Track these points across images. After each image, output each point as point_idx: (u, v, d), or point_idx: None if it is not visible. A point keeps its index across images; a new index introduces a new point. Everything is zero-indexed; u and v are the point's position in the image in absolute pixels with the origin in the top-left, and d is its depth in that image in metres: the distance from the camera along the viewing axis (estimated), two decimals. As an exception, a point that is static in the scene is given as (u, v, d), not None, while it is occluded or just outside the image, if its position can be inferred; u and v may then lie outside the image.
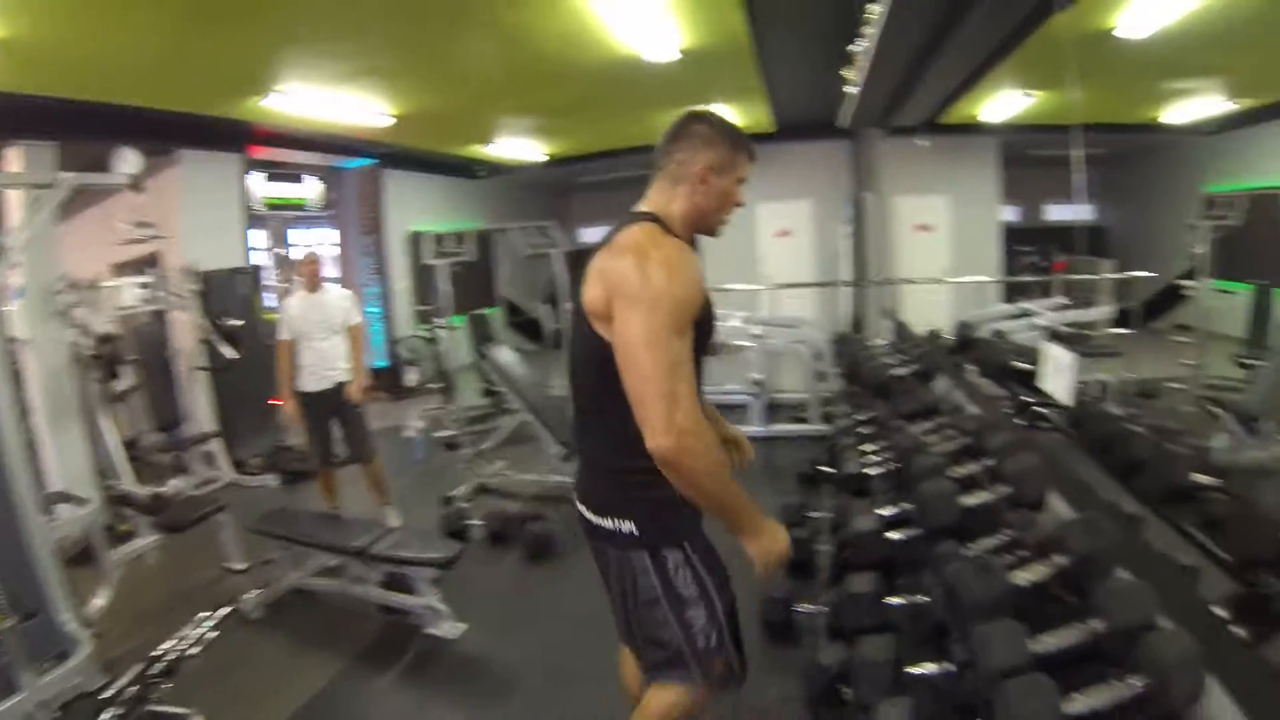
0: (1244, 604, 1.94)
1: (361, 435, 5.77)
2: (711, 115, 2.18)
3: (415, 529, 4.44)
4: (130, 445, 7.18)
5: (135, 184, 4.91)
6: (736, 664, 2.28)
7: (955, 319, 7.57)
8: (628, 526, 2.11)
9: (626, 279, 1.91)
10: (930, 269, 9.45)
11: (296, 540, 4.64)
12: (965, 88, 6.85)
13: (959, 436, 2.99)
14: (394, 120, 8.12)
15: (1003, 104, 8.90)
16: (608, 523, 2.14)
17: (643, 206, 2.17)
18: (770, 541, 2.10)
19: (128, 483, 6.18)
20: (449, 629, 4.21)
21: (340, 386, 5.54)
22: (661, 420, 1.82)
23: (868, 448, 3.71)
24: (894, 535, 2.63)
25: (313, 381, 5.50)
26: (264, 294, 15.04)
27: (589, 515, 2.22)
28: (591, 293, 2.01)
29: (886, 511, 2.79)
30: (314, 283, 5.59)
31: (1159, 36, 5.88)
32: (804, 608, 3.52)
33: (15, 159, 6.26)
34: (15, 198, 5.77)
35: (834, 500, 4.25)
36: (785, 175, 12.02)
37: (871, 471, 3.47)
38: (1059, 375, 2.74)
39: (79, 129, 6.41)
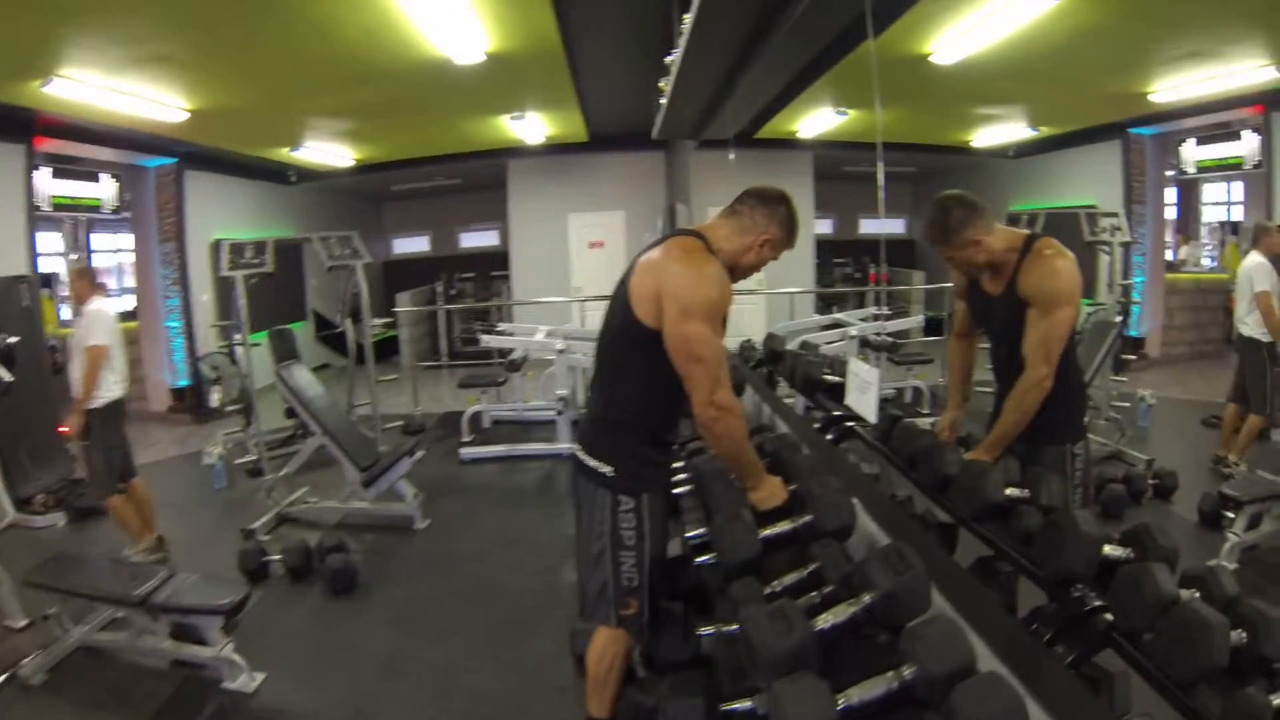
0: (1059, 620, 1.89)
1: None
2: (792, 206, 2.61)
3: (198, 574, 4.01)
4: None
5: None
6: (645, 615, 2.58)
7: (769, 326, 7.65)
8: (606, 468, 2.53)
9: (680, 283, 2.36)
10: (745, 281, 9.55)
11: (73, 592, 4.12)
12: (779, 104, 6.90)
13: (763, 457, 2.90)
14: (189, 115, 7.65)
15: (818, 120, 9.08)
16: (592, 461, 2.56)
17: (695, 227, 2.61)
18: (767, 493, 2.52)
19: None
20: (245, 681, 3.84)
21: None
22: (707, 395, 2.36)
23: (676, 465, 3.62)
24: (702, 559, 2.55)
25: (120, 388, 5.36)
26: (58, 305, 14.10)
27: (580, 454, 2.63)
28: (643, 282, 2.43)
29: (693, 533, 2.71)
30: (79, 296, 5.27)
31: (968, 64, 6.11)
32: None
33: None
34: None
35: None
36: (599, 186, 12.07)
37: (678, 491, 3.37)
38: (864, 392, 2.68)
39: None
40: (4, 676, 4.01)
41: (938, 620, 1.62)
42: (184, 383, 10.38)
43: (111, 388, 5.27)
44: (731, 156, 6.50)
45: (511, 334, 8.31)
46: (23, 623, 4.56)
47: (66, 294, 14.40)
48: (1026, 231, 2.82)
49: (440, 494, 6.39)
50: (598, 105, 8.88)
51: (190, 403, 10.29)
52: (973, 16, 5.31)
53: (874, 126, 8.81)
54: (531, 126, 10.07)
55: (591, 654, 2.71)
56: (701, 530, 2.74)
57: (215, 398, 9.27)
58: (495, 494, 6.74)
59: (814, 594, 1.94)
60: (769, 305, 9.50)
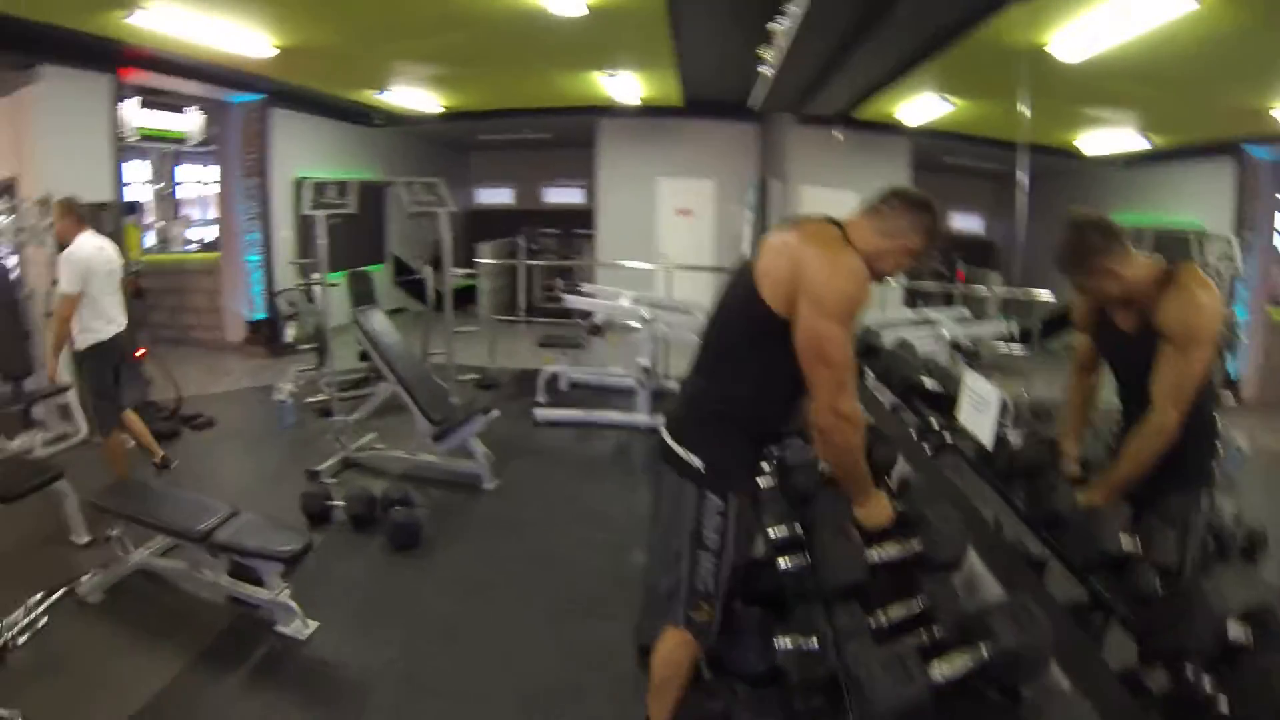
0: (1178, 704, 1.71)
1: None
2: (937, 214, 2.44)
3: (263, 515, 3.98)
4: None
5: None
6: (718, 621, 2.45)
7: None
8: (698, 462, 2.38)
9: (819, 273, 2.20)
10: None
11: (137, 519, 4.12)
12: (886, 83, 6.67)
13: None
14: (277, 52, 7.62)
15: (920, 106, 8.76)
16: (682, 451, 2.41)
17: (838, 219, 2.43)
18: (875, 511, 2.36)
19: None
20: (298, 627, 3.81)
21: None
22: (831, 401, 2.22)
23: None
24: (786, 564, 2.41)
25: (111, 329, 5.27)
26: (143, 232, 14.37)
27: (670, 440, 2.48)
28: (775, 264, 2.29)
29: (776, 533, 2.57)
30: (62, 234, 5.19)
31: (1089, 61, 5.79)
32: None
33: None
34: None
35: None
36: (690, 153, 11.83)
37: (762, 483, 3.23)
38: (981, 412, 2.50)
39: None
40: (63, 591, 4.03)
41: (1063, 693, 1.47)
42: (260, 316, 10.50)
43: (96, 330, 5.19)
44: (840, 137, 6.29)
45: (596, 297, 8.17)
46: (86, 539, 4.71)
47: (151, 221, 14.74)
48: (1162, 261, 2.53)
49: (512, 454, 6.27)
50: (695, 69, 8.68)
51: (264, 336, 10.41)
52: (1105, 9, 5.03)
53: (979, 117, 8.50)
54: (626, 85, 9.87)
55: (658, 655, 2.57)
56: (785, 532, 2.61)
57: (290, 334, 9.34)
58: (568, 461, 6.60)
59: (922, 633, 1.80)
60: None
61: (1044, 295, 7.90)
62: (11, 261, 6.98)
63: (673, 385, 7.92)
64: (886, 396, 4.01)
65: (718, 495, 2.37)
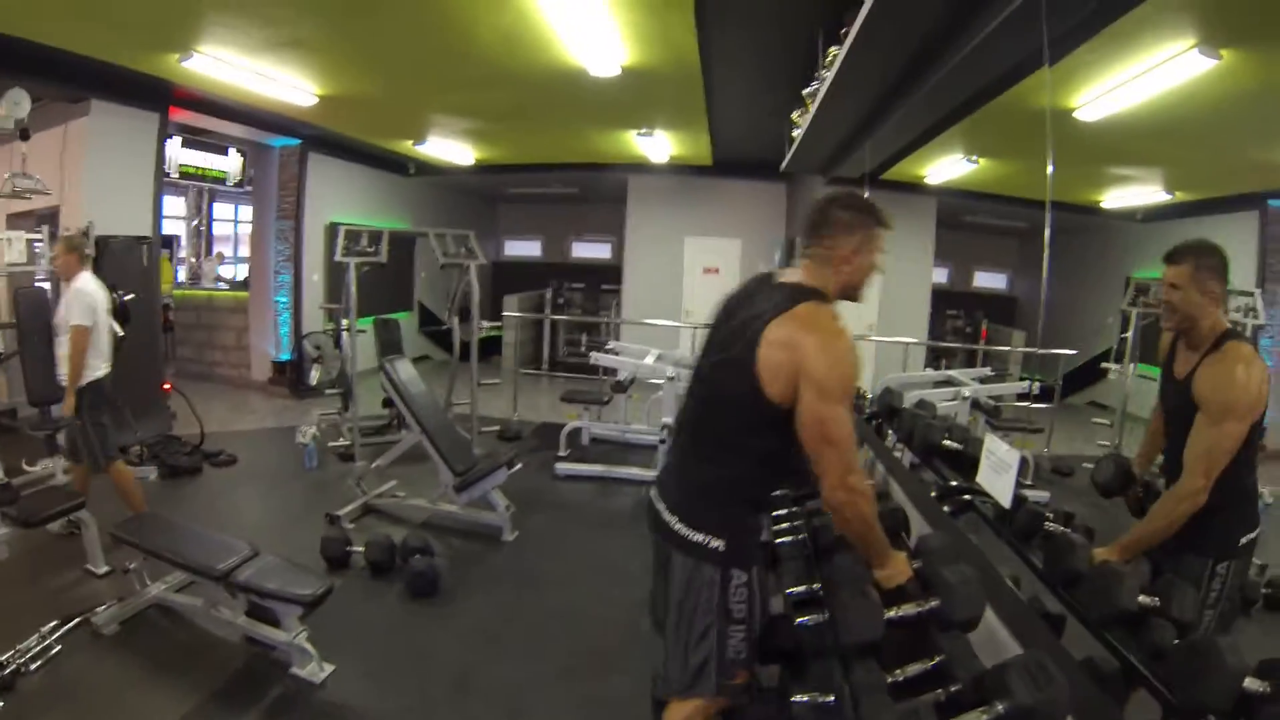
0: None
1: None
2: (850, 199, 2.49)
3: (283, 558, 4.01)
4: (4, 417, 6.79)
5: (22, 130, 4.44)
6: (746, 686, 2.52)
7: (877, 377, 7.40)
8: (716, 543, 2.40)
9: (818, 363, 2.21)
10: (857, 323, 9.31)
11: (157, 554, 4.17)
12: (914, 147, 6.74)
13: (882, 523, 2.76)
14: (318, 100, 7.82)
15: (946, 166, 8.85)
16: (696, 535, 2.43)
17: (802, 281, 2.44)
18: (893, 571, 2.35)
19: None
20: (314, 670, 3.82)
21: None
22: (840, 478, 2.22)
23: (780, 512, 3.49)
24: (803, 619, 2.41)
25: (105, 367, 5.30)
26: (176, 266, 14.59)
27: (677, 525, 2.48)
28: (775, 357, 2.26)
29: (795, 590, 2.57)
30: (65, 270, 5.20)
31: (1111, 120, 5.84)
32: None
33: None
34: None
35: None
36: (718, 211, 11.93)
37: (781, 540, 3.23)
38: (1001, 473, 2.51)
39: None
40: (78, 620, 4.11)
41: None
42: (286, 357, 10.61)
43: (94, 368, 5.20)
44: (866, 195, 6.34)
45: (621, 354, 8.18)
46: (104, 570, 4.75)
47: (183, 256, 14.90)
48: (1228, 325, 2.58)
49: (532, 507, 6.26)
50: (726, 130, 8.79)
51: (290, 378, 10.52)
52: (1133, 69, 5.07)
53: (1001, 176, 8.55)
54: (658, 144, 10.01)
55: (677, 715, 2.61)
56: (803, 588, 2.61)
57: (315, 376, 9.41)
58: (588, 515, 6.55)
59: (939, 691, 1.80)
60: (879, 351, 9.27)
61: (1066, 352, 7.93)
62: (48, 289, 7.09)
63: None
64: (907, 456, 4.02)
65: (742, 570, 2.41)
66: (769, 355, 2.28)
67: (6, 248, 6.20)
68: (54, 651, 3.89)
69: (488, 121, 9.36)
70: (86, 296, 5.08)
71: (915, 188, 9.87)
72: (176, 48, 6.31)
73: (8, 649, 3.80)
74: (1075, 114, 5.84)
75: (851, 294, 2.49)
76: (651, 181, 12.11)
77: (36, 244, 6.66)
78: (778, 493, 2.78)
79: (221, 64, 6.64)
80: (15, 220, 7.43)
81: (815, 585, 2.64)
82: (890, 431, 4.34)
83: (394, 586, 4.86)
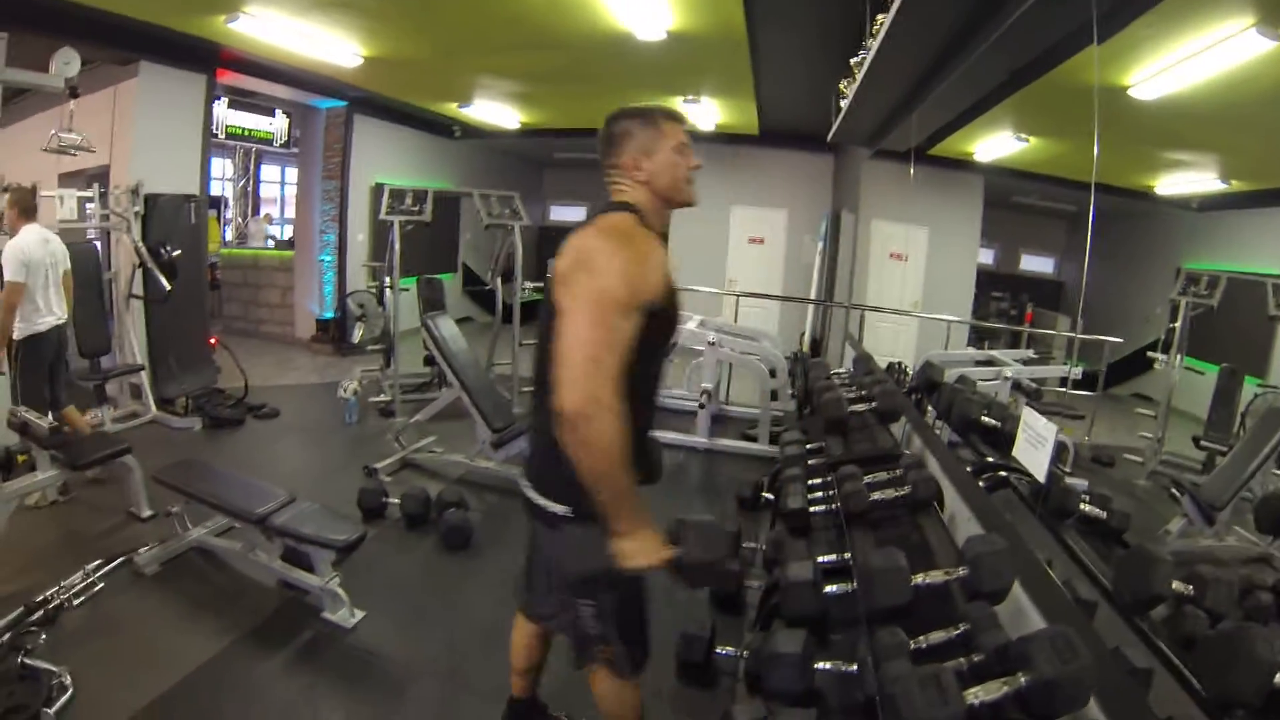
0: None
1: None
2: (624, 111, 2.32)
3: (321, 505, 4.10)
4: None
5: (72, 89, 4.53)
6: (626, 650, 2.39)
7: (918, 354, 7.34)
8: (560, 508, 2.18)
9: (591, 255, 2.01)
10: (899, 299, 9.22)
11: (198, 497, 4.30)
12: (961, 121, 6.63)
13: (914, 492, 2.74)
14: (364, 61, 7.86)
15: (994, 144, 8.70)
16: (542, 501, 2.22)
17: (611, 200, 2.29)
18: (639, 550, 2.08)
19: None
20: (345, 616, 3.92)
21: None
22: (578, 381, 1.89)
23: (814, 481, 3.49)
24: (831, 588, 2.39)
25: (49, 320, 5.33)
26: (224, 226, 14.82)
27: (531, 492, 2.29)
28: (562, 264, 2.08)
29: (825, 559, 2.56)
30: (10, 224, 5.25)
31: (1166, 101, 5.69)
32: (725, 650, 3.25)
33: None
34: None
35: (772, 532, 4.01)
36: (764, 181, 11.83)
37: (815, 509, 3.24)
38: (1037, 448, 2.48)
39: (31, 23, 5.94)
40: (121, 560, 4.29)
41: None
42: (329, 315, 10.77)
43: (34, 321, 5.23)
44: (913, 172, 6.26)
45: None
46: (147, 513, 4.92)
47: (230, 216, 15.08)
48: None
49: (569, 466, 6.29)
50: (773, 98, 8.71)
51: (333, 335, 10.67)
52: (1192, 44, 4.94)
53: (1052, 156, 8.38)
54: (704, 111, 9.92)
55: (600, 700, 2.58)
56: (833, 556, 2.61)
57: (357, 334, 9.51)
58: None
59: (961, 660, 1.80)
60: (921, 328, 9.17)
61: (1112, 339, 7.78)
62: (99, 245, 7.24)
63: (733, 410, 7.93)
64: (945, 433, 4.00)
65: (585, 528, 2.14)
66: (561, 263, 2.09)
67: (58, 205, 6.31)
68: (97, 589, 4.05)
69: (534, 85, 9.35)
70: (24, 251, 5.10)
71: (963, 164, 9.71)
72: (224, 9, 6.36)
73: (53, 585, 3.95)
74: (1129, 91, 5.70)
75: (673, 198, 2.31)
76: (698, 149, 11.71)
77: (88, 202, 6.81)
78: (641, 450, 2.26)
79: (268, 25, 6.70)
80: (66, 179, 7.53)
81: (845, 555, 2.65)
82: (929, 407, 4.33)
83: (428, 539, 4.93)
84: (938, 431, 4.04)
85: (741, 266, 11.81)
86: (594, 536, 2.10)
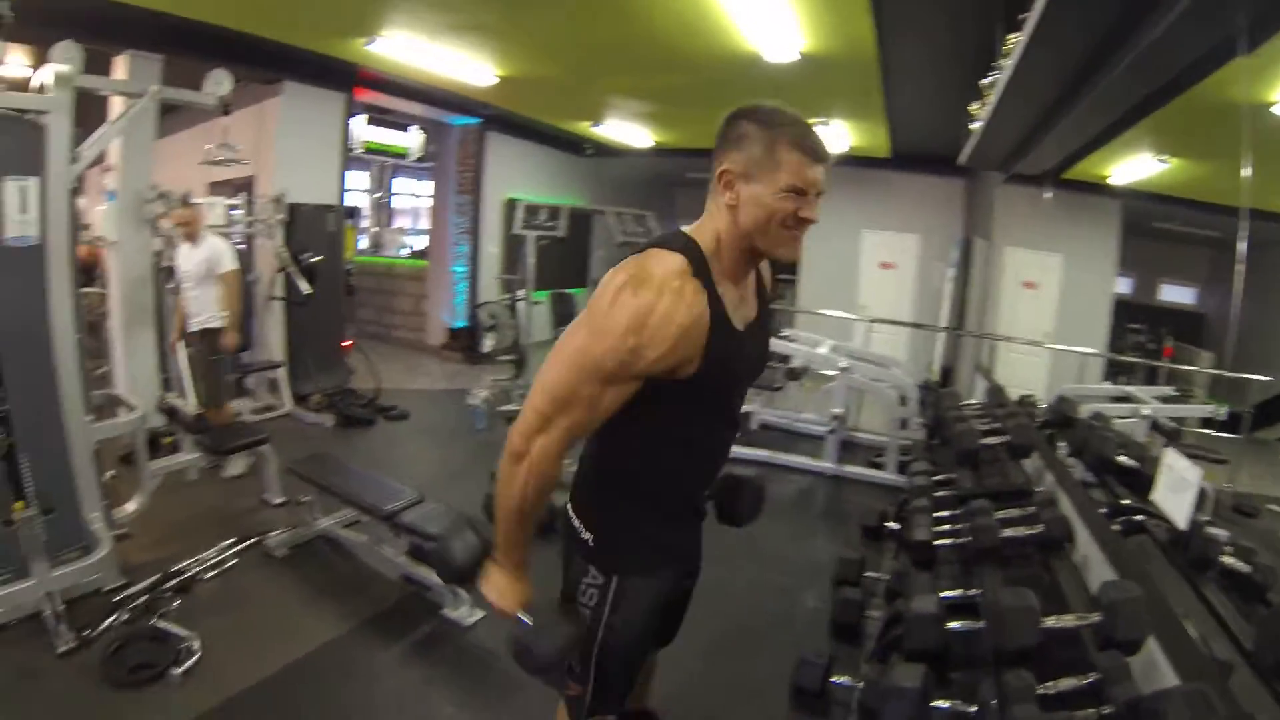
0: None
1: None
2: (746, 108, 1.81)
3: (447, 506, 4.21)
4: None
5: (224, 106, 4.83)
6: (591, 701, 2.12)
7: (1050, 387, 7.11)
8: (586, 534, 1.99)
9: (600, 301, 1.72)
10: (1031, 329, 8.95)
11: (327, 489, 4.54)
12: (1098, 143, 6.40)
13: (1046, 531, 2.67)
14: (498, 80, 8.06)
15: (1132, 166, 8.37)
16: (576, 522, 2.03)
17: (692, 227, 1.88)
18: (497, 587, 2.00)
19: (190, 396, 6.16)
20: (464, 614, 4.04)
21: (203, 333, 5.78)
22: (523, 422, 1.78)
23: (941, 514, 3.44)
24: (954, 624, 2.35)
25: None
26: (359, 234, 15.41)
27: (569, 508, 2.08)
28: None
29: (949, 593, 2.52)
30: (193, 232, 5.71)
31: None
32: (841, 680, 3.19)
33: (121, 67, 6.28)
34: (117, 104, 5.75)
35: (895, 563, 3.97)
36: (896, 205, 11.66)
37: (941, 542, 3.19)
38: (1179, 492, 2.39)
39: (186, 46, 6.40)
40: (253, 540, 4.58)
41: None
42: (460, 324, 11.04)
43: (217, 313, 5.73)
44: (1048, 195, 6.08)
45: (796, 341, 8.12)
46: (279, 500, 5.20)
47: (366, 226, 15.65)
48: None
49: (694, 488, 6.30)
50: (904, 119, 8.58)
51: (463, 344, 10.95)
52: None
53: (1194, 178, 8.02)
54: (835, 134, 9.84)
55: None
56: (958, 592, 2.57)
57: (488, 344, 9.70)
58: None
59: (1092, 711, 1.75)
60: (1053, 360, 8.86)
61: (1262, 377, 7.33)
62: (244, 248, 7.72)
63: (861, 436, 7.83)
64: (1078, 471, 3.88)
65: (601, 572, 2.00)
66: None
67: (208, 212, 6.69)
68: (229, 565, 4.36)
69: (664, 105, 9.41)
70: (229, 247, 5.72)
71: (1098, 188, 9.35)
72: (363, 32, 6.68)
73: (189, 557, 4.30)
74: (1275, 109, 5.39)
75: (757, 245, 1.81)
76: (830, 172, 11.71)
77: (234, 210, 7.27)
78: (695, 497, 2.15)
79: (404, 47, 6.98)
80: (215, 188, 8.13)
81: (970, 591, 2.60)
82: (1062, 443, 4.20)
83: (551, 547, 4.98)
84: (1069, 469, 3.92)
85: (873, 291, 11.65)
86: (607, 577, 2.00)
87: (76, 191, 3.90)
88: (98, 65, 4.67)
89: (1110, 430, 3.77)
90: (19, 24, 3.78)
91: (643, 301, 1.66)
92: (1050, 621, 1.99)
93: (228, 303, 5.70)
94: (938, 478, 4.20)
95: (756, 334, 1.97)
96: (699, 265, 1.75)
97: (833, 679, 3.22)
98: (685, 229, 1.86)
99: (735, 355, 1.85)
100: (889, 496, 6.01)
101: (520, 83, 8.23)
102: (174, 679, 3.33)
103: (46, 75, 3.69)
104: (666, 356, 1.69)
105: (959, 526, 3.16)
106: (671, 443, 1.91)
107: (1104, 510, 3.08)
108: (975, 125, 5.93)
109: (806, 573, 4.86)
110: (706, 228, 1.83)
